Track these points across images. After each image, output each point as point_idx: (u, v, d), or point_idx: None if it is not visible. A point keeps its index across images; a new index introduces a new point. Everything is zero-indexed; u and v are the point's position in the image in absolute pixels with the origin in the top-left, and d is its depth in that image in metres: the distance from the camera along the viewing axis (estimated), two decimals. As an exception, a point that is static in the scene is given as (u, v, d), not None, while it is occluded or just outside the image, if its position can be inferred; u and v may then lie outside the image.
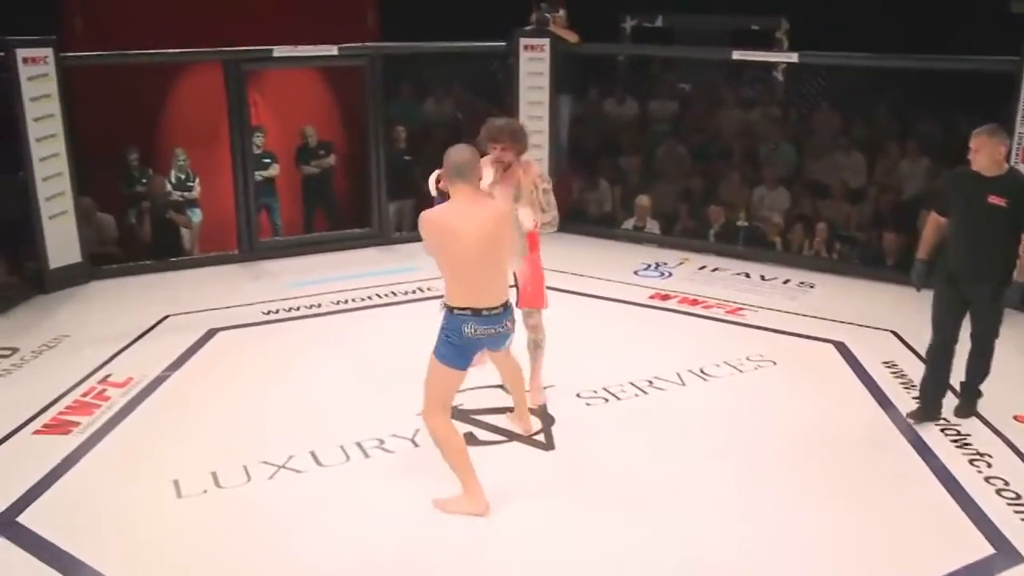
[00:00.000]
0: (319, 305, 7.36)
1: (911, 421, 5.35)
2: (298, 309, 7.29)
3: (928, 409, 5.37)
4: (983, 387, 5.41)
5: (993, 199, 4.97)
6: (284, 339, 6.73)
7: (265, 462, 4.91)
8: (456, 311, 4.26)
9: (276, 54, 8.36)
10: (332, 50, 8.63)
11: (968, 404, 5.44)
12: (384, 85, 8.99)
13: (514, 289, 5.19)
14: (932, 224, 5.33)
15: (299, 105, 10.02)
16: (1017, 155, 7.33)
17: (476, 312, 4.25)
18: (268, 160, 9.20)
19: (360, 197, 9.36)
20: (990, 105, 7.57)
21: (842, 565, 4.15)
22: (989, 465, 4.89)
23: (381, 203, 9.05)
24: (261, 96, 9.69)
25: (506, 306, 4.35)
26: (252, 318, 7.09)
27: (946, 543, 4.26)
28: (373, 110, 8.90)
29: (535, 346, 5.58)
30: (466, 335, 4.26)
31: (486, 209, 4.30)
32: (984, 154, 4.97)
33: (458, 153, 4.26)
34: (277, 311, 7.24)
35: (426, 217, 4.28)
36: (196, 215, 8.93)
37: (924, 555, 4.19)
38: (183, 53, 8.44)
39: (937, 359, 5.31)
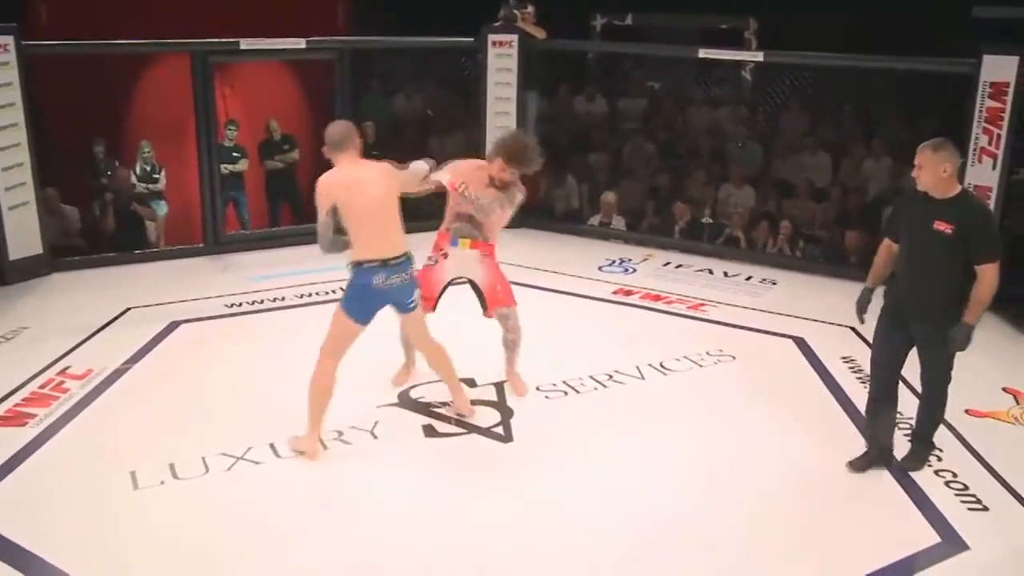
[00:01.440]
0: (283, 298, 7.35)
1: (849, 469, 4.84)
2: (262, 302, 7.27)
3: (869, 460, 4.86)
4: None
5: (939, 225, 4.39)
6: (246, 332, 6.71)
7: (224, 453, 4.90)
8: (365, 264, 4.62)
9: (243, 46, 8.33)
10: (300, 43, 8.61)
11: (916, 455, 4.85)
12: (354, 80, 8.99)
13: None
14: (884, 251, 4.80)
15: (269, 99, 9.99)
16: (974, 155, 7.44)
17: (384, 263, 4.62)
18: (238, 154, 9.17)
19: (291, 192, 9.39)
20: (952, 106, 7.69)
21: (790, 550, 4.21)
22: (939, 459, 4.96)
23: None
24: (231, 90, 9.66)
25: (408, 256, 4.75)
26: (215, 311, 7.07)
27: (894, 532, 4.33)
28: (342, 104, 8.89)
29: (513, 345, 5.54)
30: (375, 286, 4.64)
31: (374, 168, 4.73)
32: (928, 171, 4.39)
33: (334, 128, 4.70)
34: (240, 304, 7.22)
35: (324, 180, 4.63)
36: (162, 208, 8.86)
37: (872, 543, 4.25)
38: (149, 44, 8.40)
39: (876, 411, 4.83)
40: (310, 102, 10.06)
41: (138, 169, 8.83)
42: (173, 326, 6.71)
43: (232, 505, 4.50)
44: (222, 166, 8.71)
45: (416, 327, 5.15)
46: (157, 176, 8.87)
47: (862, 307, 4.86)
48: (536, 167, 5.29)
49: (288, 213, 9.60)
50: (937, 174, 4.38)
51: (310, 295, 7.42)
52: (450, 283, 5.45)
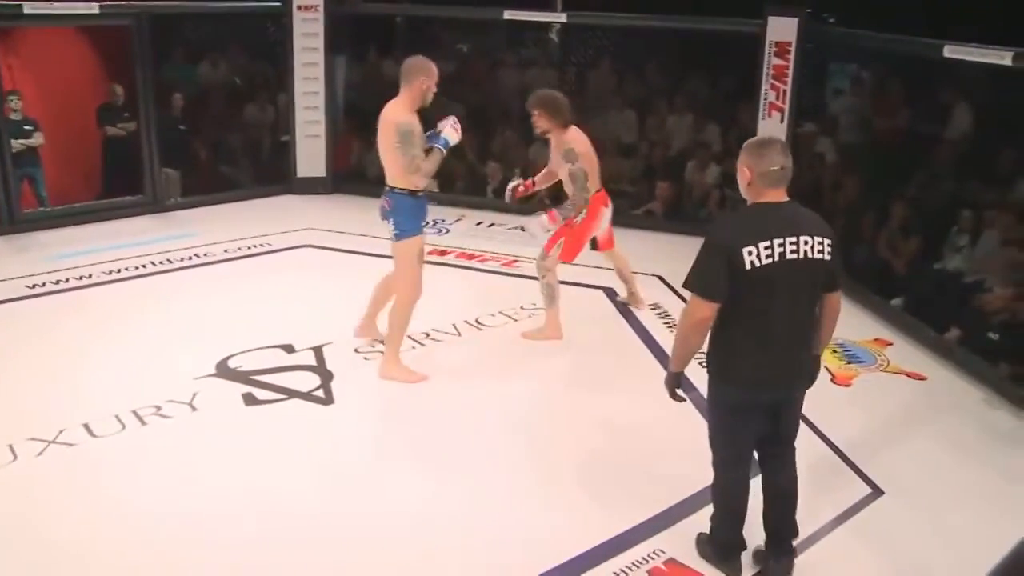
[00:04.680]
0: (90, 276, 7.09)
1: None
2: (67, 281, 6.98)
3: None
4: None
5: None
6: (51, 313, 6.43)
7: (33, 438, 4.71)
8: None
9: (27, 11, 7.85)
10: (93, 8, 8.21)
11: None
12: (155, 47, 8.67)
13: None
14: None
15: (62, 67, 9.47)
16: (764, 110, 7.93)
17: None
18: (30, 127, 8.63)
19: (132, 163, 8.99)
20: (747, 64, 8.15)
21: (609, 491, 4.43)
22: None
23: (154, 170, 8.77)
24: (18, 58, 9.11)
25: (391, 189, 5.23)
26: (15, 293, 6.73)
27: (694, 462, 4.52)
28: (142, 72, 8.57)
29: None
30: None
31: (389, 110, 5.17)
32: (738, 176, 3.56)
33: (406, 61, 5.27)
34: (43, 284, 6.91)
35: None
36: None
37: (689, 473, 4.48)
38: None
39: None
40: (108, 71, 9.60)
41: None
42: (-32, 311, 6.37)
43: (46, 490, 4.33)
44: (14, 141, 8.22)
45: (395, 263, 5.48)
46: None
47: None
48: (532, 106, 5.84)
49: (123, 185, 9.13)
50: (742, 181, 3.54)
51: (119, 271, 7.19)
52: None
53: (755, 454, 3.77)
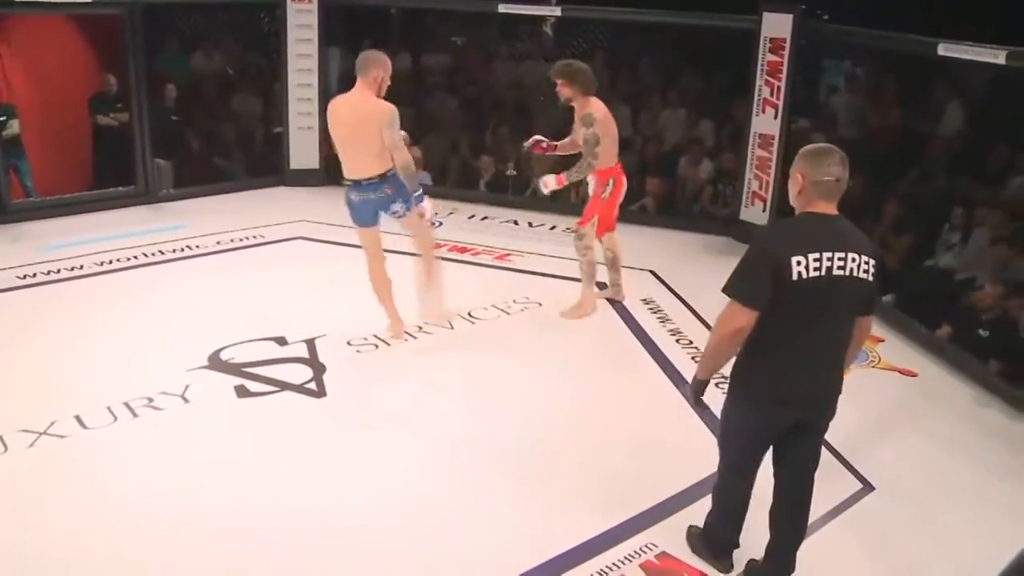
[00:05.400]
0: (81, 267, 7.06)
1: None
2: (58, 272, 6.95)
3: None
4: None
5: None
6: (41, 303, 6.40)
7: (24, 430, 4.69)
8: (345, 181, 5.46)
9: (18, -2, 7.82)
10: (86, -4, 8.17)
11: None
12: (147, 37, 8.63)
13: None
14: None
15: (55, 56, 9.41)
16: (759, 106, 7.94)
17: (356, 183, 5.38)
18: (3, 118, 8.48)
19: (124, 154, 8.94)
20: (742, 60, 8.14)
21: (604, 489, 4.45)
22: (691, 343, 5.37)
23: (146, 160, 8.73)
24: (8, 47, 9.05)
25: (383, 177, 5.33)
26: (5, 283, 6.69)
27: (687, 455, 4.59)
28: (134, 62, 8.52)
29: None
30: (352, 200, 5.46)
31: (366, 102, 5.22)
32: (790, 182, 3.41)
33: (361, 54, 5.36)
34: (34, 275, 6.88)
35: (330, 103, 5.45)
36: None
37: (673, 466, 4.53)
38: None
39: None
40: (100, 60, 9.55)
41: None
42: (-42, 301, 6.34)
43: (37, 482, 4.32)
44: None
45: (410, 228, 5.77)
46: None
47: None
48: (555, 75, 6.07)
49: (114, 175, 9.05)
50: (793, 188, 3.40)
51: (110, 262, 7.16)
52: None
53: (773, 478, 3.67)
